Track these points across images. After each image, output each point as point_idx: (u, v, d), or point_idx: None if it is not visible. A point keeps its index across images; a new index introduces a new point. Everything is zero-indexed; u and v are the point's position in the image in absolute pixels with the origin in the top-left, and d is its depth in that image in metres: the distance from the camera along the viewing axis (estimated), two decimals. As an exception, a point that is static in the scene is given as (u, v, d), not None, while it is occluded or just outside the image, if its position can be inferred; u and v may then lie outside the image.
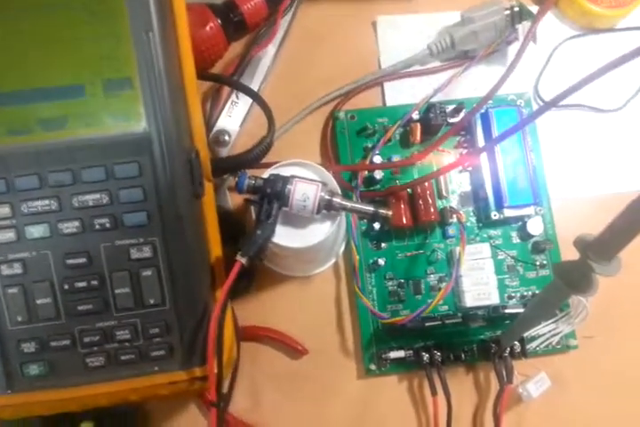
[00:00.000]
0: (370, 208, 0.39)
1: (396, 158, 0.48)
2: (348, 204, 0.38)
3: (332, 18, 0.53)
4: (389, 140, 0.48)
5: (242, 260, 0.35)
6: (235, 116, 0.50)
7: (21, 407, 0.36)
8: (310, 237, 0.39)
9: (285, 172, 0.39)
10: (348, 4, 0.54)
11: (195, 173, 0.37)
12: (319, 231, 0.39)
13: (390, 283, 0.46)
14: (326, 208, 0.38)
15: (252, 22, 0.50)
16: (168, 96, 0.35)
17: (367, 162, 0.48)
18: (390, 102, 0.51)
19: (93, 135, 0.35)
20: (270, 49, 0.51)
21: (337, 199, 0.38)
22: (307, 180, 0.38)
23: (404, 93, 0.51)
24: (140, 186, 0.36)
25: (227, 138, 0.49)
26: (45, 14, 0.35)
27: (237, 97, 0.50)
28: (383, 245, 0.46)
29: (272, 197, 0.37)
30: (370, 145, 0.49)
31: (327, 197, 0.37)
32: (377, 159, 0.47)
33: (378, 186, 0.48)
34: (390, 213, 0.39)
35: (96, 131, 0.35)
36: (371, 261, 0.46)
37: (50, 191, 0.35)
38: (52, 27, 0.35)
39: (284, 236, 0.38)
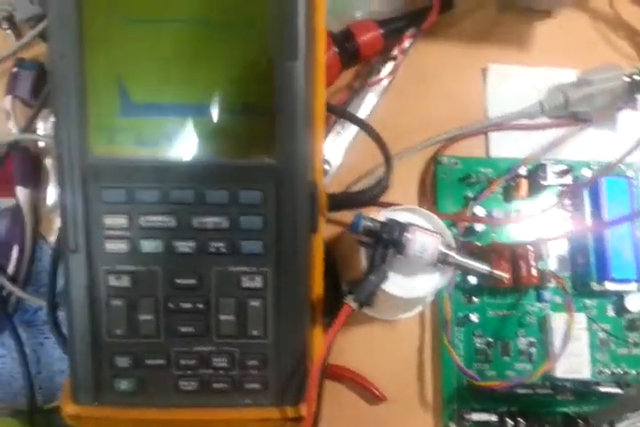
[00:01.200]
0: (486, 268, 0.38)
1: (497, 212, 0.47)
2: (465, 261, 0.37)
3: (443, 59, 0.53)
4: (492, 192, 0.47)
5: (352, 304, 0.35)
6: (337, 148, 0.50)
7: (105, 421, 0.35)
8: (418, 287, 0.38)
9: (399, 216, 0.39)
10: (461, 47, 0.53)
11: (314, 208, 0.36)
12: (428, 283, 0.38)
13: (479, 340, 0.45)
14: (441, 261, 0.37)
15: (365, 54, 0.50)
16: (302, 126, 0.35)
17: (468, 212, 0.47)
18: (494, 153, 0.50)
19: (221, 157, 0.35)
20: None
21: (454, 254, 0.37)
22: (425, 230, 0.37)
23: (508, 145, 0.51)
24: (261, 214, 0.35)
25: (327, 168, 0.49)
26: (188, 29, 0.34)
27: (343, 128, 0.50)
28: (475, 299, 0.45)
29: (388, 242, 0.36)
30: (471, 194, 0.48)
31: (444, 250, 0.36)
32: (478, 211, 0.46)
33: (474, 237, 0.47)
34: (507, 276, 0.38)
35: (224, 153, 0.35)
36: (461, 314, 0.45)
37: (170, 208, 0.35)
38: (193, 43, 0.35)
39: (392, 283, 0.37)
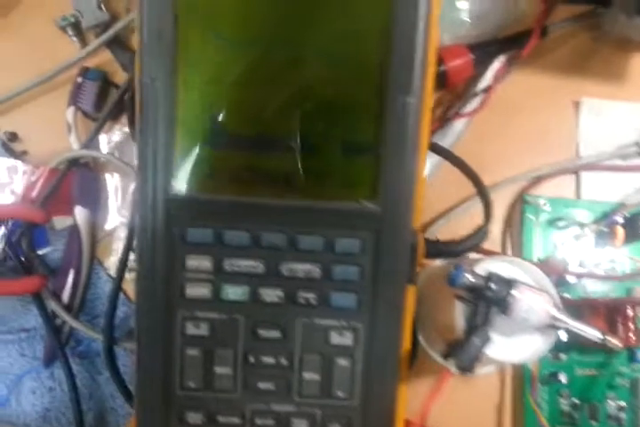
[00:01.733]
0: (598, 335, 0.34)
1: (589, 261, 0.43)
2: (576, 325, 0.34)
3: (532, 89, 0.49)
4: (584, 238, 0.44)
5: (454, 371, 0.31)
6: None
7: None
8: (520, 351, 0.34)
9: (495, 267, 0.35)
10: (551, 78, 0.50)
11: (415, 258, 0.33)
12: (530, 346, 0.34)
13: (564, 401, 0.41)
14: (549, 325, 0.33)
15: (453, 81, 0.47)
16: (410, 168, 0.31)
17: (557, 260, 0.43)
18: (585, 195, 0.47)
19: (318, 200, 0.32)
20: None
21: (565, 318, 0.33)
22: (532, 287, 0.34)
23: (601, 187, 0.47)
24: (357, 264, 0.32)
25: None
26: (291, 57, 0.31)
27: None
28: (562, 356, 0.42)
29: (492, 301, 0.33)
30: (560, 240, 0.44)
31: (555, 314, 0.33)
32: (568, 259, 0.43)
33: (563, 288, 0.43)
34: (621, 345, 0.34)
35: (322, 195, 0.32)
36: (546, 372, 0.41)
37: (259, 252, 0.32)
38: (295, 71, 0.31)
39: (491, 345, 0.34)
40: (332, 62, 0.30)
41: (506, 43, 0.47)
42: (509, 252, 0.46)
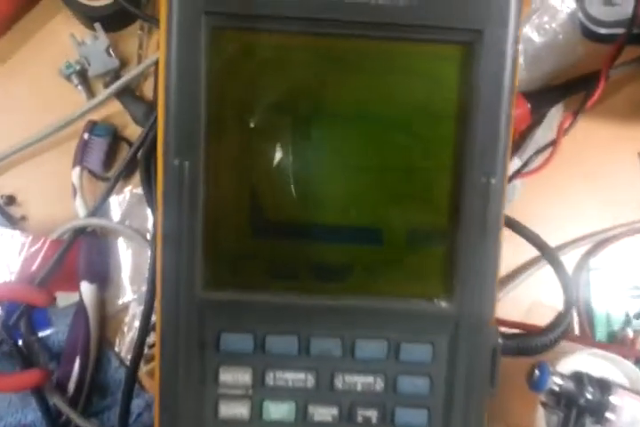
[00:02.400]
0: None
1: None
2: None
3: (591, 139, 0.44)
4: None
5: None
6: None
7: None
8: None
9: (580, 364, 0.30)
10: (614, 126, 0.45)
11: (496, 363, 0.27)
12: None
13: None
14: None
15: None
16: (490, 258, 0.26)
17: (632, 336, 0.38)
18: (654, 258, 0.41)
19: (380, 297, 0.26)
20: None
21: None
22: (630, 390, 0.28)
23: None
24: (427, 375, 0.26)
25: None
26: (350, 128, 0.26)
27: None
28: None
29: (585, 409, 0.27)
30: (632, 310, 0.39)
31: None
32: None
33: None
34: None
35: (385, 292, 0.26)
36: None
37: (309, 362, 0.26)
38: (353, 145, 0.26)
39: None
40: (399, 141, 0.26)
41: (565, 89, 0.42)
42: (575, 326, 0.40)
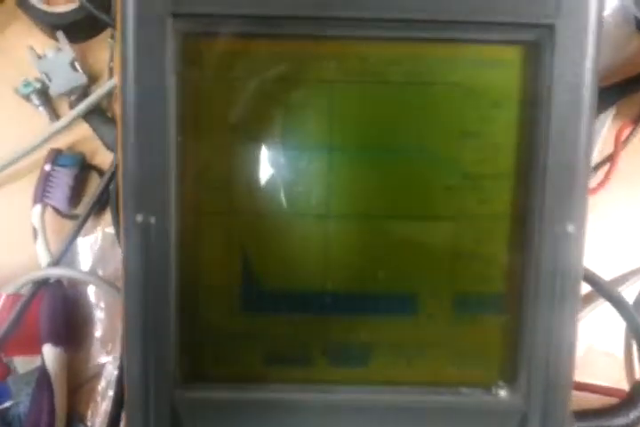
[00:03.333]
0: None
1: None
2: None
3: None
4: None
5: None
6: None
7: None
8: None
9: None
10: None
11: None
12: None
13: None
14: None
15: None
16: (564, 332, 0.20)
17: None
18: None
19: (414, 387, 0.20)
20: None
21: None
22: None
23: None
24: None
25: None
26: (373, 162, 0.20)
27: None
28: None
29: None
30: None
31: None
32: None
33: None
34: None
35: (421, 380, 0.20)
36: None
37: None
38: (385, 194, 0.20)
39: None
40: (439, 178, 0.19)
41: (618, 91, 0.36)
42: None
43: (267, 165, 0.19)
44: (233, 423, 0.19)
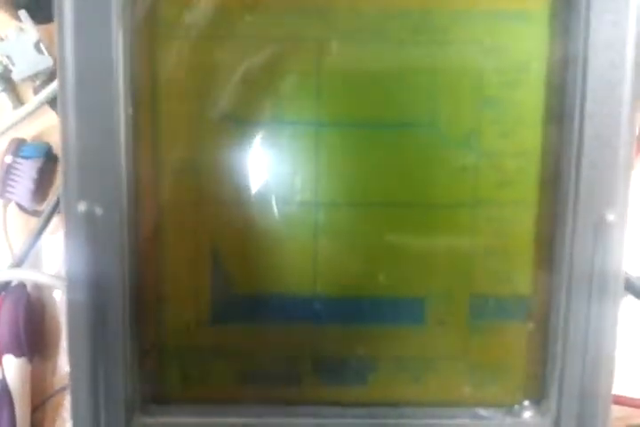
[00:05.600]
0: None
1: None
2: None
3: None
4: None
5: None
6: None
7: None
8: None
9: None
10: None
11: None
12: None
13: None
14: None
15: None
16: (603, 338, 0.16)
17: None
18: None
19: (422, 407, 0.17)
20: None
21: None
22: None
23: None
24: None
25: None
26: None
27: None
28: None
29: None
30: None
31: None
32: None
33: None
34: None
35: (430, 399, 0.17)
36: None
37: None
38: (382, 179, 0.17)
39: None
40: (447, 159, 0.16)
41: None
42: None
43: (241, 143, 0.16)
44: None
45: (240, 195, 0.16)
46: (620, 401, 0.21)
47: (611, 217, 0.15)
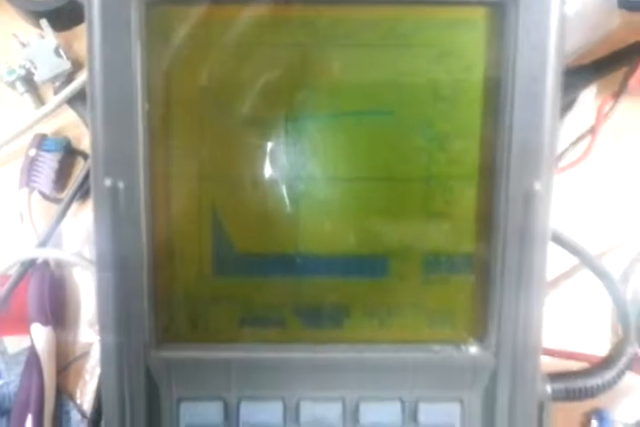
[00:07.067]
0: None
1: None
2: None
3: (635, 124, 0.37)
4: None
5: None
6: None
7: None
8: None
9: None
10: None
11: (545, 423, 0.21)
12: None
13: None
14: None
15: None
16: (533, 289, 0.20)
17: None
18: None
19: (387, 345, 0.20)
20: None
21: None
22: None
23: None
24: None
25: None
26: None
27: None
28: None
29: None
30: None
31: None
32: None
33: None
34: None
35: (393, 338, 0.20)
36: None
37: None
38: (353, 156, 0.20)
39: None
40: (406, 139, 0.19)
41: (599, 67, 0.36)
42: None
43: (237, 129, 0.19)
44: (207, 383, 0.20)
45: (235, 172, 0.20)
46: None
47: (537, 186, 0.19)
